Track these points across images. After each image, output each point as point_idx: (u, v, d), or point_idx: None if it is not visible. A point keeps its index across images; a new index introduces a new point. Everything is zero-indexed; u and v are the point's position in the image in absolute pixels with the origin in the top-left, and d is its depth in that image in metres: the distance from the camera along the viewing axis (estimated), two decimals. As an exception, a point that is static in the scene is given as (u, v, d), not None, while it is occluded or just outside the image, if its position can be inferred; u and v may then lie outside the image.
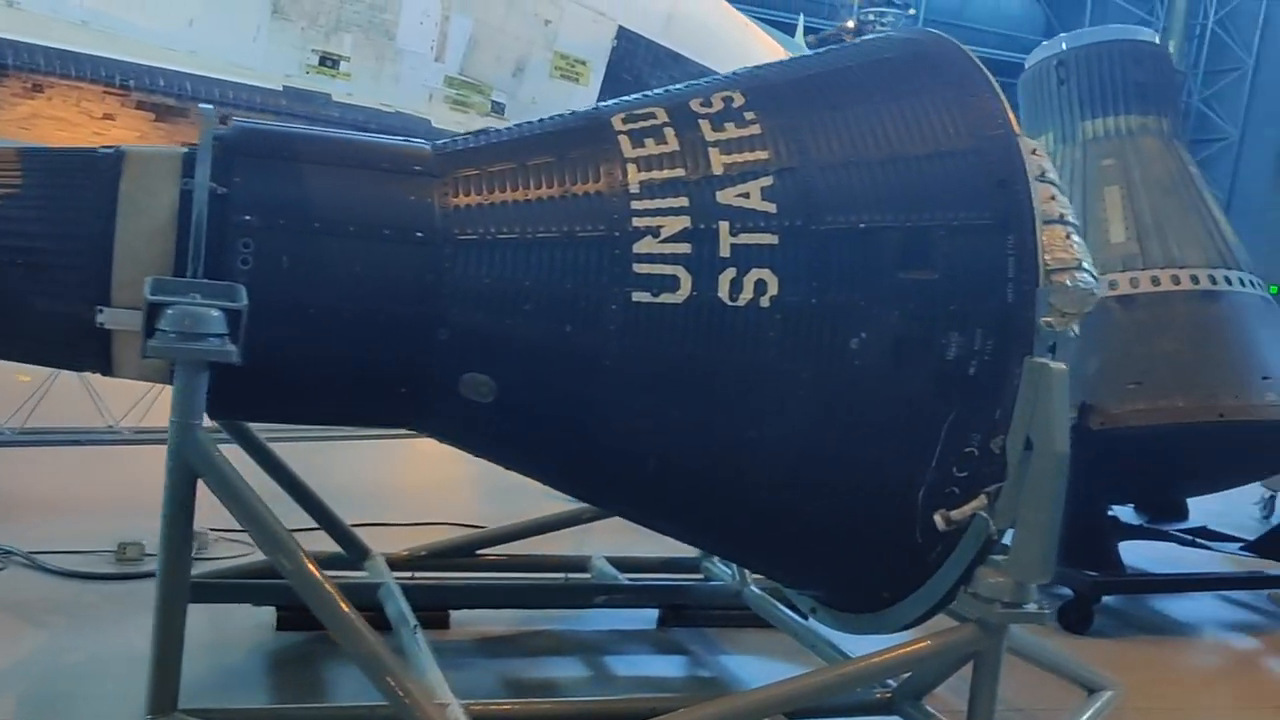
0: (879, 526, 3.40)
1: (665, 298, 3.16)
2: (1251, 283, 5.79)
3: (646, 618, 4.83)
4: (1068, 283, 3.44)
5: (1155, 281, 5.67)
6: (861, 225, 3.23)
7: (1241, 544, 6.23)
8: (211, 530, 5.09)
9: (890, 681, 3.71)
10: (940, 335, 3.20)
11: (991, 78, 3.47)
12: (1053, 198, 3.61)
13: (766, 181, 3.26)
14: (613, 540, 4.98)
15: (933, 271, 3.21)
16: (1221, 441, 5.46)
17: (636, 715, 3.33)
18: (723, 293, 3.17)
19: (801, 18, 29.48)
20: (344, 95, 15.66)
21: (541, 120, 3.52)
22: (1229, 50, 35.60)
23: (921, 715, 3.58)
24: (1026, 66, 6.53)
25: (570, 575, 4.68)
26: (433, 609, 4.44)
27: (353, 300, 3.08)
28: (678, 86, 3.61)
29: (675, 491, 3.44)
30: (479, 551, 4.66)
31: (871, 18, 32.30)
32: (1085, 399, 5.43)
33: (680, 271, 3.17)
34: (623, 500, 3.64)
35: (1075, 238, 3.56)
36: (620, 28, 16.82)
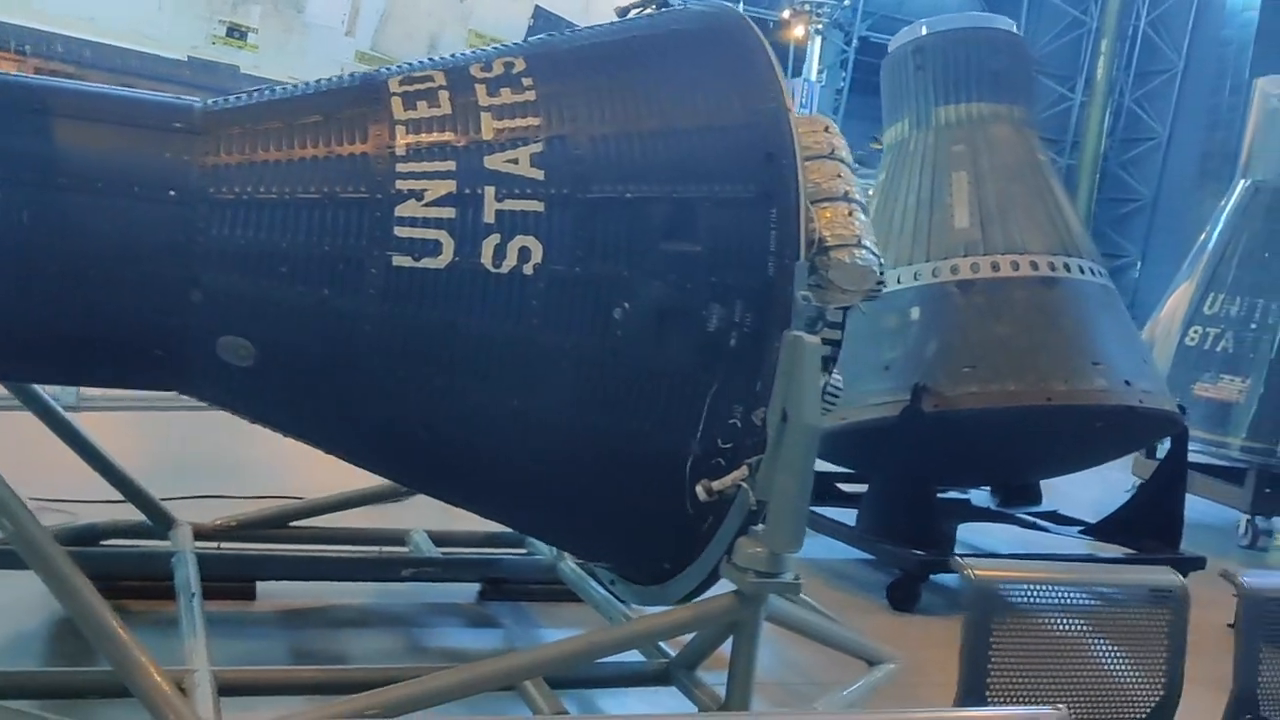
0: (650, 498, 3.39)
1: (427, 262, 3.13)
2: (1092, 270, 5.88)
3: (467, 592, 4.81)
4: (846, 259, 3.46)
5: (995, 267, 5.74)
6: (628, 195, 3.21)
7: (1082, 527, 6.34)
8: (33, 500, 4.98)
9: (670, 652, 3.73)
10: (702, 307, 3.20)
11: (770, 53, 3.47)
12: (838, 175, 3.63)
13: (537, 148, 3.23)
14: (441, 515, 4.94)
15: (696, 243, 3.21)
16: (1051, 425, 5.55)
17: (394, 681, 3.29)
18: (485, 259, 3.14)
19: (741, 6, 29.59)
20: (251, 67, 15.40)
21: (322, 80, 3.47)
22: (1160, 52, 36.18)
23: (693, 684, 3.59)
24: (889, 51, 6.58)
25: (385, 549, 4.64)
26: (238, 580, 4.39)
27: (98, 259, 3.01)
28: (467, 52, 3.58)
29: (448, 461, 3.42)
30: (293, 523, 4.59)
31: (807, 7, 32.38)
32: (922, 381, 5.49)
33: (443, 236, 3.14)
34: (399, 469, 3.61)
35: (859, 215, 3.58)
36: (538, 7, 16.69)
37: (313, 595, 4.53)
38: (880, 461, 5.65)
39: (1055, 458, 6.07)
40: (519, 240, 3.16)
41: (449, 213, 3.15)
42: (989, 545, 6.72)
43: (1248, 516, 8.01)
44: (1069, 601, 2.36)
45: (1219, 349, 8.16)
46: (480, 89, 3.33)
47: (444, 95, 3.32)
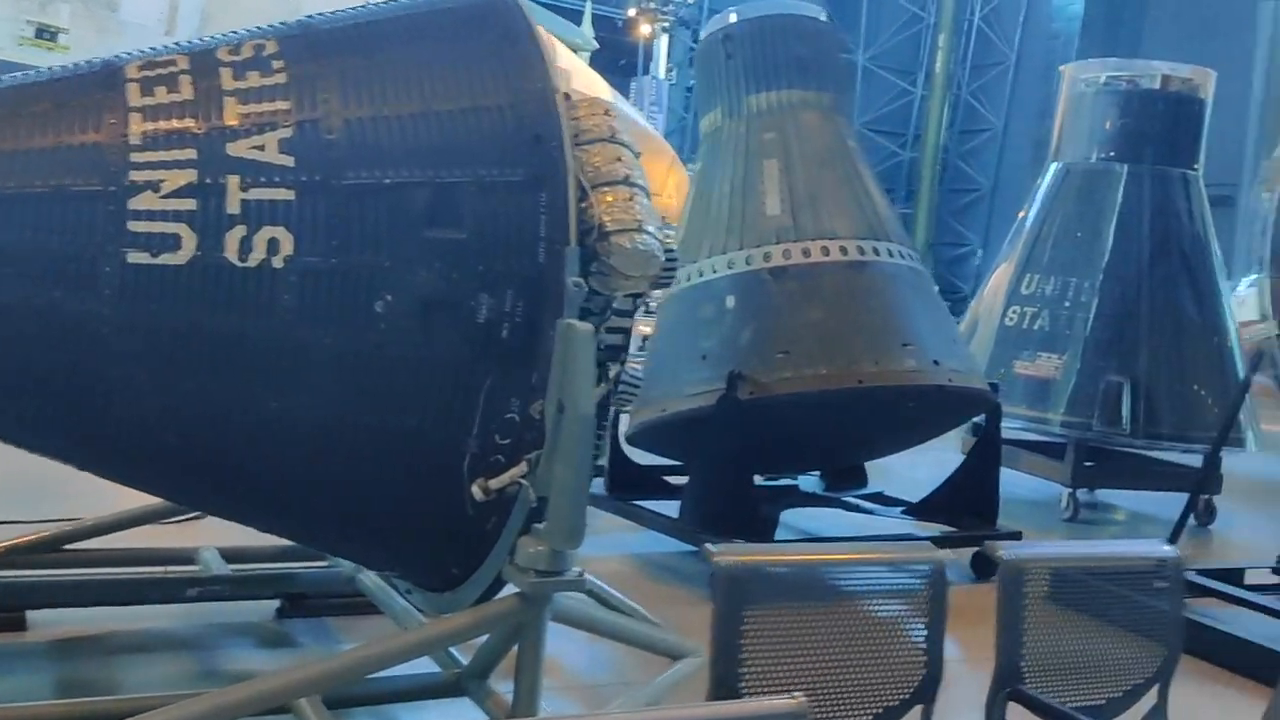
0: (429, 500, 3.24)
1: (166, 258, 2.91)
2: (901, 254, 5.93)
3: (265, 611, 4.56)
4: (627, 244, 3.36)
5: (806, 253, 5.74)
6: (387, 181, 3.05)
7: (904, 508, 6.41)
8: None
9: (464, 661, 3.58)
10: (470, 297, 3.06)
11: (539, 32, 3.34)
12: (618, 159, 3.53)
13: (285, 133, 3.04)
14: (240, 531, 4.68)
15: (461, 230, 3.06)
16: (864, 406, 5.58)
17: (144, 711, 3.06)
18: (230, 253, 2.94)
19: (589, 5, 29.52)
20: (62, 69, 14.60)
21: (55, 68, 3.21)
22: (994, 45, 37.52)
23: (484, 693, 3.45)
24: (700, 39, 6.54)
25: (170, 569, 4.36)
26: (5, 610, 4.07)
27: None
28: (220, 34, 3.37)
29: (206, 470, 3.20)
30: (68, 546, 4.28)
31: (652, 6, 32.49)
32: (738, 369, 5.45)
33: (183, 229, 2.93)
34: (155, 481, 3.37)
35: (641, 200, 3.48)
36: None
37: (91, 622, 4.23)
38: (699, 451, 5.59)
39: (873, 439, 6.12)
40: (267, 231, 2.96)
41: (189, 204, 2.93)
42: (817, 529, 6.75)
43: (1069, 490, 8.25)
44: (825, 585, 2.31)
45: (1036, 327, 8.39)
46: (225, 73, 3.12)
47: (185, 80, 3.10)
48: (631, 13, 32.02)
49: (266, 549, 4.59)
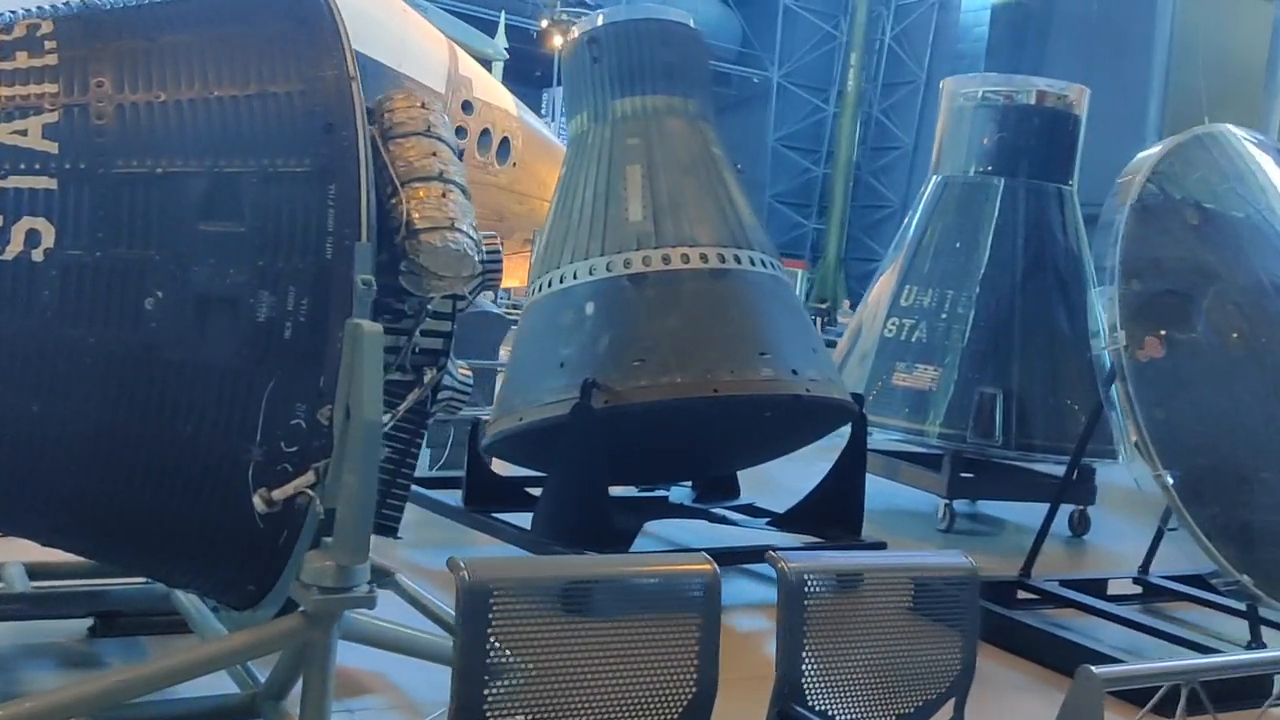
0: (215, 512, 3.04)
1: (-88, 250, 2.69)
2: (763, 262, 5.86)
3: (77, 629, 4.30)
4: (437, 243, 3.22)
5: (666, 260, 5.64)
6: (160, 170, 2.86)
7: (769, 519, 6.33)
8: None
9: (261, 680, 3.38)
10: (249, 295, 2.88)
11: (338, 18, 3.18)
12: (433, 154, 3.39)
13: (50, 118, 2.84)
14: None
15: (240, 223, 2.88)
16: (720, 416, 5.49)
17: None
18: (-15, 245, 2.73)
19: (503, 16, 29.28)
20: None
21: None
22: (904, 64, 38.12)
23: (277, 715, 3.25)
24: (565, 42, 6.41)
25: (-33, 586, 4.09)
26: None
27: None
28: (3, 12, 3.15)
29: (-32, 479, 2.97)
30: None
31: (565, 17, 32.38)
32: (593, 377, 5.32)
33: (-68, 220, 2.71)
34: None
35: (456, 198, 3.34)
36: None
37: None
38: (554, 461, 5.45)
39: (732, 449, 6.02)
40: (26, 222, 2.76)
41: (-59, 192, 2.72)
42: (686, 541, 6.64)
43: (945, 501, 8.26)
44: (585, 601, 2.17)
45: (914, 339, 8.40)
46: (-9, 53, 2.91)
47: (-55, 59, 2.88)
48: (544, 24, 31.90)
49: (80, 565, 4.33)
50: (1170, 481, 5.02)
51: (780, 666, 2.33)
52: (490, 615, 2.01)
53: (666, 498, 6.73)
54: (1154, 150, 5.70)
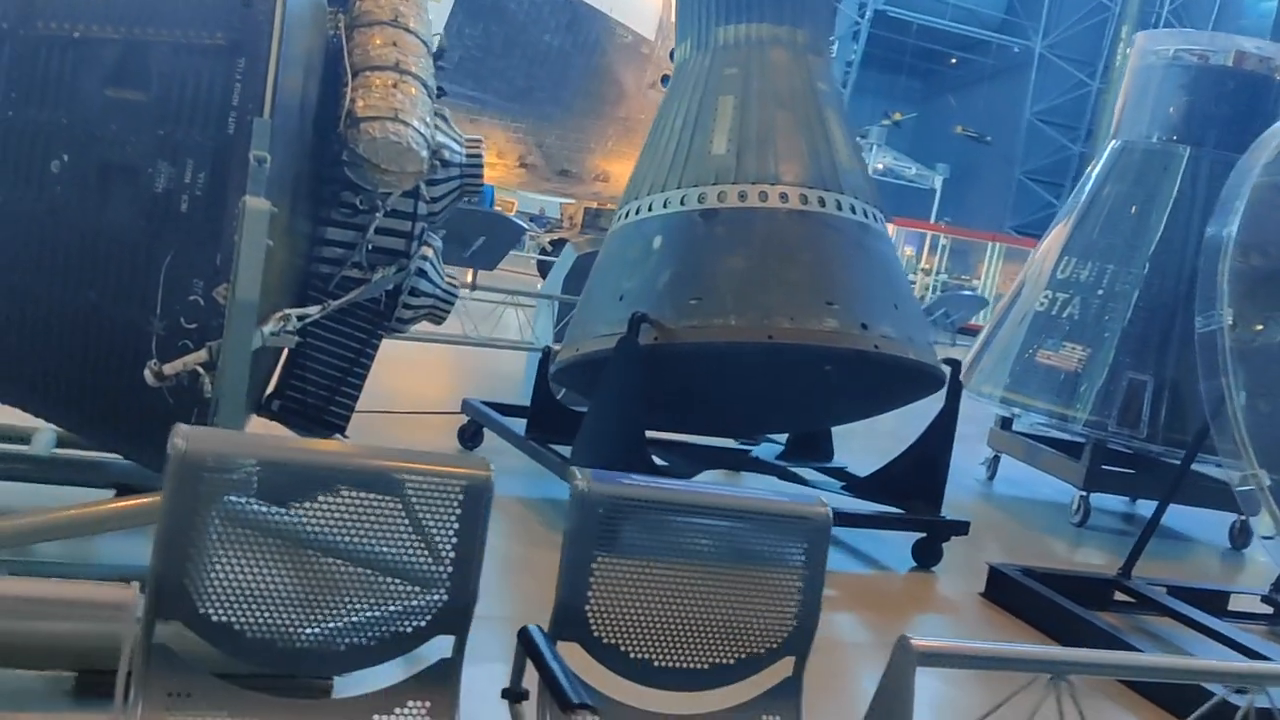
0: (127, 384, 3.07)
1: None
2: (853, 208, 5.46)
3: (98, 498, 4.50)
4: (376, 133, 3.14)
5: (743, 197, 5.35)
6: (76, 34, 2.88)
7: (844, 483, 5.95)
8: None
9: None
10: (148, 164, 2.86)
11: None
12: (394, 43, 3.30)
13: (-22, -22, 2.90)
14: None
15: (145, 92, 2.87)
16: (776, 365, 5.17)
17: None
18: (-100, 99, 2.82)
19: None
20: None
21: None
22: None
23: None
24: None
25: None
26: None
27: None
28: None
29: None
30: None
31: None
32: (650, 313, 5.13)
33: None
34: None
35: (411, 91, 3.24)
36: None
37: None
38: (598, 394, 5.29)
39: (800, 404, 5.66)
40: (-54, 78, 2.83)
41: None
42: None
43: (1082, 493, 7.61)
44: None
45: (1066, 315, 7.71)
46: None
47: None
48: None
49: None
50: (1267, 483, 4.38)
51: (561, 591, 2.12)
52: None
53: (747, 452, 6.46)
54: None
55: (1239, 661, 4.17)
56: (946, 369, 5.76)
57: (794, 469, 6.14)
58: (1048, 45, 38.30)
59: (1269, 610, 5.91)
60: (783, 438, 6.70)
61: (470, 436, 6.38)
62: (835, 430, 6.60)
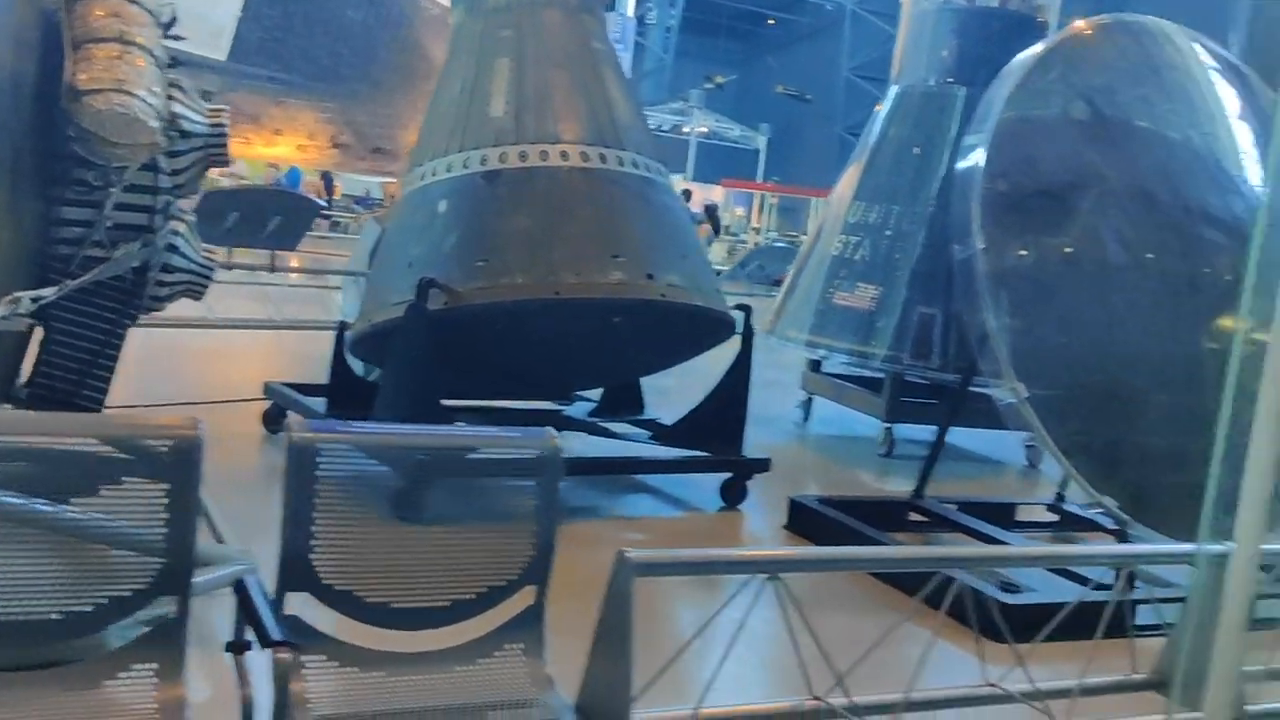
0: None
1: None
2: (635, 163, 5.57)
3: None
4: (100, 105, 3.05)
5: (524, 157, 5.39)
6: None
7: (652, 433, 6.10)
8: None
9: None
10: None
11: None
12: (116, 14, 3.21)
13: None
14: None
15: None
16: (567, 321, 5.25)
17: None
18: None
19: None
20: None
21: None
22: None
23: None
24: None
25: None
26: None
27: None
28: None
29: None
30: None
31: (622, -59, 31.76)
32: (437, 277, 5.13)
33: None
34: None
35: (138, 62, 3.16)
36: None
37: None
38: (390, 365, 5.28)
39: (589, 360, 5.76)
40: None
41: None
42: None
43: (886, 425, 7.95)
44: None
45: (859, 257, 8.02)
46: None
47: None
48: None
49: None
50: (1025, 395, 4.68)
51: (285, 543, 2.14)
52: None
53: (559, 412, 6.53)
54: (1053, 38, 5.26)
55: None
56: (739, 314, 5.94)
57: (605, 424, 6.24)
58: (858, 1, 39.32)
59: (1055, 518, 6.30)
60: (598, 395, 6.81)
61: (274, 420, 6.29)
62: (674, 386, 6.74)
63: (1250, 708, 2.75)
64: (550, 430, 2.41)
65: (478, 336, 5.22)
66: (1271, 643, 3.43)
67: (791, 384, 9.23)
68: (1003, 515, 6.16)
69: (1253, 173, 5.61)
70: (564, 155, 5.41)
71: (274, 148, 18.69)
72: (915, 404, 8.06)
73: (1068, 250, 4.86)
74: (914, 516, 5.97)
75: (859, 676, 2.64)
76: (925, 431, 9.09)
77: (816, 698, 2.48)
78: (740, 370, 5.98)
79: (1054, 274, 4.88)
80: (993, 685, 2.70)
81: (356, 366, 6.16)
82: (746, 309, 6.02)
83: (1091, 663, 2.78)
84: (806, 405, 9.08)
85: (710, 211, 18.42)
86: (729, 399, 5.98)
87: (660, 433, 6.10)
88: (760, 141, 36.78)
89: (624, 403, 6.66)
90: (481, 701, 2.29)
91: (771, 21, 44.60)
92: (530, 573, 2.37)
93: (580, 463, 5.82)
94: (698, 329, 5.65)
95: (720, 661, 2.27)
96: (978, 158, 4.84)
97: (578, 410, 6.59)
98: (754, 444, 8.15)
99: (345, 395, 5.86)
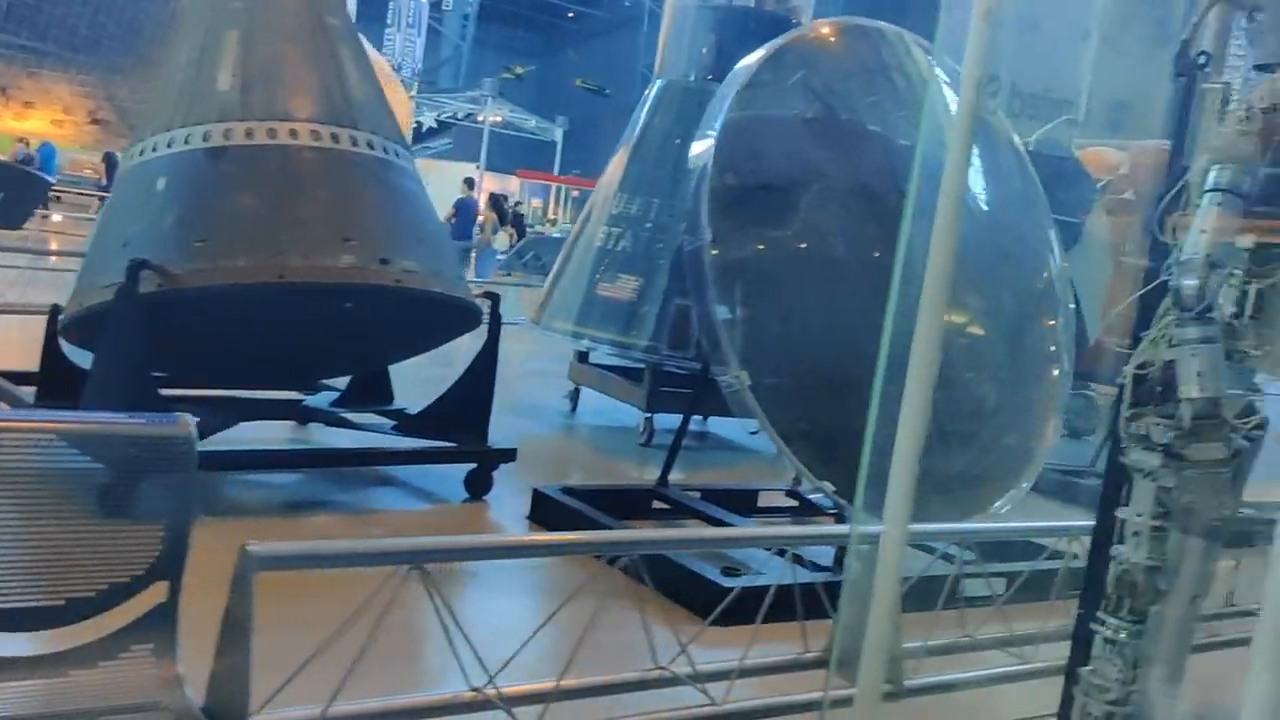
0: None
1: None
2: (371, 144, 5.40)
3: None
4: None
5: (250, 134, 5.15)
6: None
7: (395, 423, 5.97)
8: None
9: None
10: None
11: None
12: None
13: None
14: None
15: None
16: (295, 306, 5.06)
17: None
18: None
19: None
20: None
21: None
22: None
23: None
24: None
25: None
26: None
27: None
28: None
29: None
30: None
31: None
32: (153, 256, 4.84)
33: None
34: None
35: None
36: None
37: None
38: (101, 350, 4.97)
39: (324, 347, 5.57)
40: None
41: None
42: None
43: (646, 415, 8.03)
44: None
45: (620, 248, 8.08)
46: None
47: None
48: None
49: None
50: (748, 383, 4.78)
51: None
52: None
53: (300, 401, 6.31)
54: (781, 39, 5.39)
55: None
56: (486, 302, 5.87)
57: (345, 414, 6.06)
58: (656, -1, 39.79)
59: (794, 503, 6.49)
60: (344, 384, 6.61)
61: (-19, 410, 5.82)
62: (443, 376, 6.57)
63: (910, 682, 2.87)
64: (185, 416, 2.28)
65: (198, 321, 4.97)
66: (959, 619, 3.62)
67: (563, 374, 9.23)
68: (745, 501, 6.29)
69: (974, 180, 5.95)
70: (294, 134, 5.20)
71: (25, 122, 17.46)
72: (673, 394, 8.17)
73: (792, 243, 5.00)
74: (657, 504, 6.03)
75: (530, 666, 2.61)
76: (693, 421, 9.26)
77: (475, 689, 2.43)
78: (486, 359, 5.90)
79: (779, 266, 5.01)
80: (662, 668, 2.72)
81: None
82: (494, 297, 5.95)
83: (753, 644, 2.85)
84: (574, 396, 9.08)
85: (495, 201, 18.27)
86: (474, 388, 5.89)
87: (404, 422, 5.96)
88: (557, 134, 36.78)
89: (372, 392, 6.48)
90: (100, 706, 2.15)
91: (571, 15, 44.68)
92: (159, 568, 2.24)
93: (318, 454, 5.64)
94: (439, 316, 5.54)
95: (354, 661, 2.18)
96: (706, 153, 4.91)
97: (321, 400, 6.37)
98: (519, 434, 8.11)
99: (57, 384, 5.48)
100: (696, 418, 9.29)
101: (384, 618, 2.21)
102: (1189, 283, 2.28)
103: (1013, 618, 3.60)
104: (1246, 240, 2.33)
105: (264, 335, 5.23)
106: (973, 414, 5.59)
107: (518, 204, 20.08)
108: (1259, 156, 2.28)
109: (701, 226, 4.81)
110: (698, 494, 6.14)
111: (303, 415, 6.07)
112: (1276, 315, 2.30)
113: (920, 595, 3.42)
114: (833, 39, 5.57)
